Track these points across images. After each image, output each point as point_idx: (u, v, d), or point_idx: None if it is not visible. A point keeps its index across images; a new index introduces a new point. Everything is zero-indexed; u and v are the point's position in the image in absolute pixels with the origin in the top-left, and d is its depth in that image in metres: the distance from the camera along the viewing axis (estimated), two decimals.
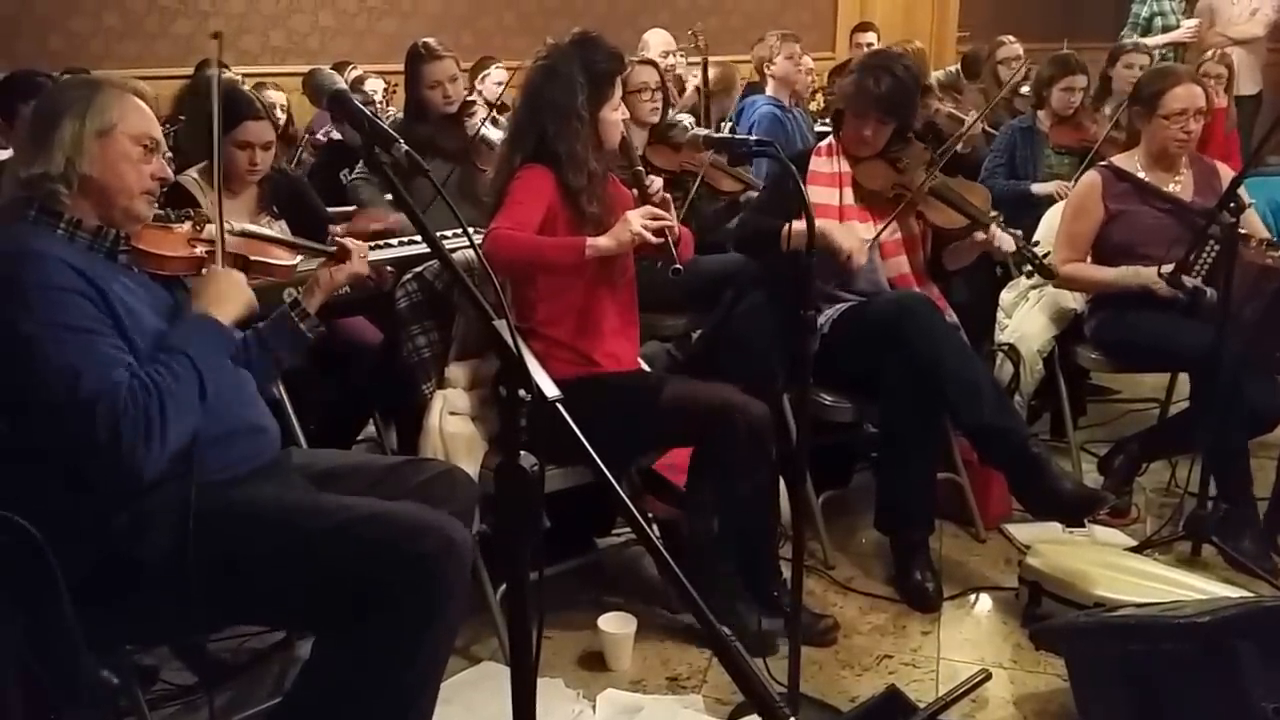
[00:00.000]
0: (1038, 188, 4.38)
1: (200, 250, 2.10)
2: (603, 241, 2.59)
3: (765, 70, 5.01)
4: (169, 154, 2.07)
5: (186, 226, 2.14)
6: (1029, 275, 3.13)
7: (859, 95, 3.06)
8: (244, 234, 2.30)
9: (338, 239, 2.35)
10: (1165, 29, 6.87)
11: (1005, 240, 2.97)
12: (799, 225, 2.97)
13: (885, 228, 3.05)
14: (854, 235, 2.97)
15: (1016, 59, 5.55)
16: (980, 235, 2.99)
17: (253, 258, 2.25)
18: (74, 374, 1.74)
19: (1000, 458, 2.89)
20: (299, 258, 2.40)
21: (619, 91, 2.75)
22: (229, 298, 2.03)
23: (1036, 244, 3.16)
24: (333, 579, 1.83)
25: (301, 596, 1.87)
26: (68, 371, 1.74)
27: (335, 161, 4.34)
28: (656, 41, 5.54)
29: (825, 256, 3.00)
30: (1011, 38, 5.75)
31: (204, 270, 2.12)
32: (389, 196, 3.60)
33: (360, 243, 2.44)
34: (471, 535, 2.18)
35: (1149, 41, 6.77)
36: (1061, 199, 4.17)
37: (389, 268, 2.71)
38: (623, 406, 2.58)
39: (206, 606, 1.86)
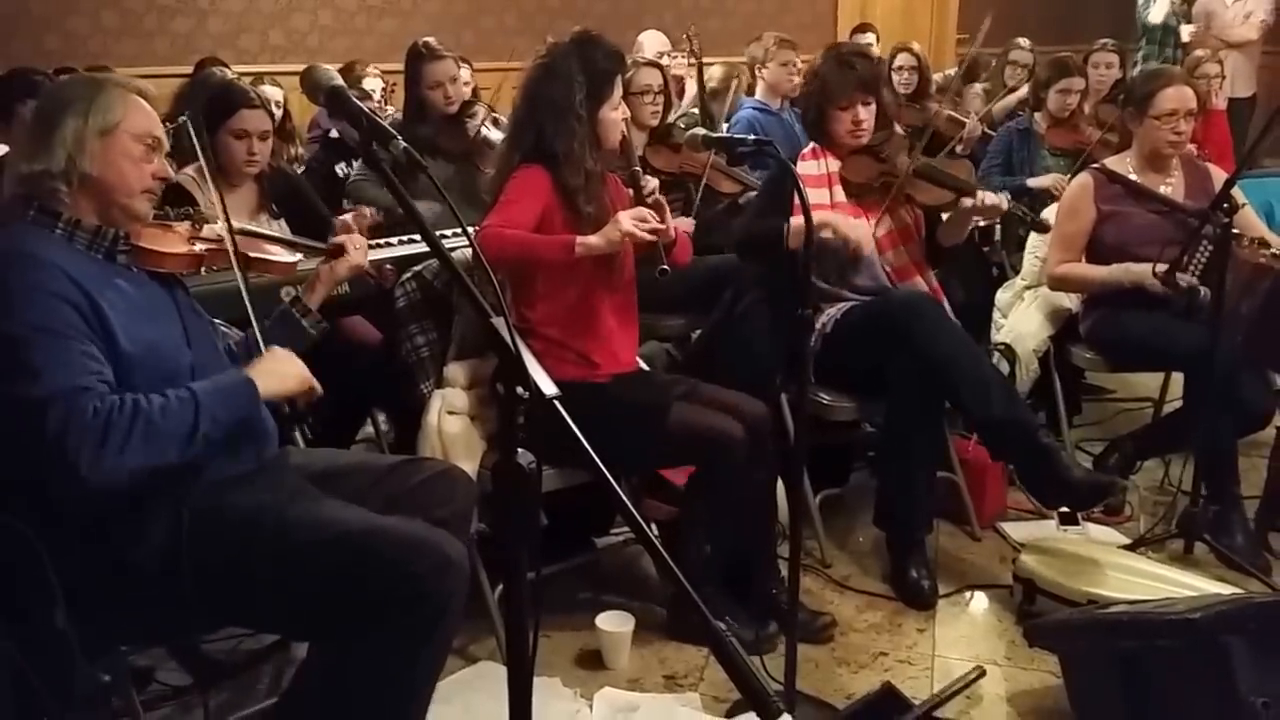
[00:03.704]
0: (1033, 181, 4.43)
1: (200, 248, 2.10)
2: (593, 240, 2.60)
3: (757, 72, 5.03)
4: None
5: (186, 225, 2.14)
6: (1024, 234, 3.14)
7: (840, 85, 3.10)
8: (243, 232, 2.31)
9: (334, 239, 2.35)
10: (1168, 31, 6.96)
11: (993, 199, 3.01)
12: (800, 221, 3.01)
13: (882, 215, 3.09)
14: (859, 225, 3.01)
15: (1024, 66, 5.57)
16: (968, 201, 3.02)
17: (252, 255, 2.26)
18: (36, 372, 1.72)
19: (1011, 450, 2.91)
20: (299, 256, 2.41)
21: (619, 91, 2.76)
22: (280, 373, 2.01)
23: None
24: (328, 592, 1.84)
25: (296, 606, 1.87)
26: (31, 369, 1.72)
27: (332, 158, 4.34)
28: (651, 43, 5.53)
29: (829, 252, 3.03)
30: (1026, 42, 5.76)
31: (203, 270, 2.13)
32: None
33: (357, 235, 2.44)
34: (470, 537, 2.18)
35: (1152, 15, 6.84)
36: (1058, 193, 4.20)
37: (389, 265, 2.72)
38: (625, 424, 2.55)
39: (201, 608, 1.87)
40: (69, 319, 1.78)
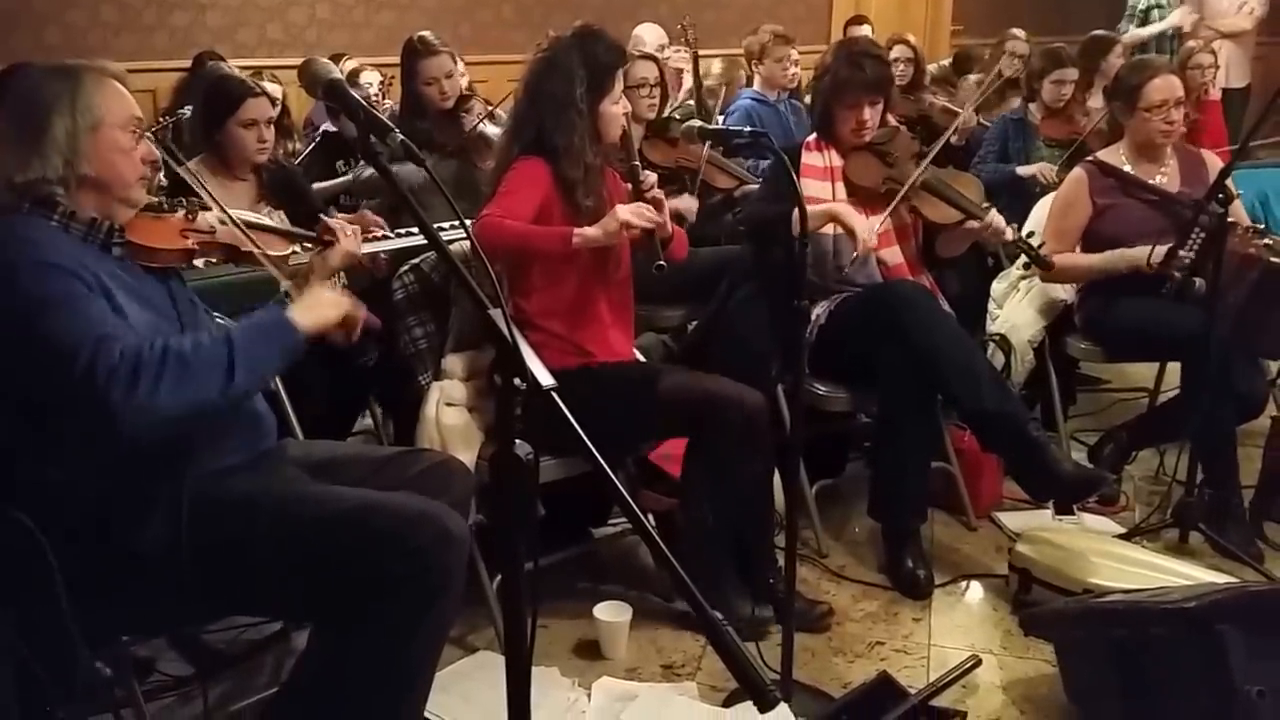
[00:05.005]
0: (1023, 169, 4.45)
1: (191, 241, 2.10)
2: (590, 232, 2.61)
3: (753, 64, 5.03)
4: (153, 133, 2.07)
5: (180, 215, 2.12)
6: (1025, 266, 3.14)
7: (848, 85, 3.09)
8: (242, 223, 2.31)
9: (325, 222, 2.35)
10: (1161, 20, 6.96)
11: (1001, 226, 3.00)
12: (809, 207, 3.01)
13: (882, 221, 3.07)
14: (863, 219, 3.01)
15: (1020, 57, 5.58)
16: (974, 225, 3.02)
17: (243, 249, 2.26)
18: (56, 335, 1.71)
19: (1001, 442, 2.92)
20: (292, 248, 2.41)
21: (619, 85, 2.76)
22: (318, 304, 1.99)
23: (1031, 235, 3.19)
24: (329, 569, 1.84)
25: (298, 586, 1.88)
26: (50, 333, 1.71)
27: (330, 154, 4.35)
28: (650, 37, 5.53)
29: (826, 253, 3.04)
30: (1021, 33, 5.75)
31: (196, 262, 2.13)
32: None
33: (345, 223, 2.44)
34: (468, 525, 2.20)
35: (1144, 32, 6.81)
36: (1046, 180, 4.21)
37: (384, 255, 2.72)
38: (618, 397, 2.60)
39: (203, 597, 1.87)
40: (79, 289, 1.77)
